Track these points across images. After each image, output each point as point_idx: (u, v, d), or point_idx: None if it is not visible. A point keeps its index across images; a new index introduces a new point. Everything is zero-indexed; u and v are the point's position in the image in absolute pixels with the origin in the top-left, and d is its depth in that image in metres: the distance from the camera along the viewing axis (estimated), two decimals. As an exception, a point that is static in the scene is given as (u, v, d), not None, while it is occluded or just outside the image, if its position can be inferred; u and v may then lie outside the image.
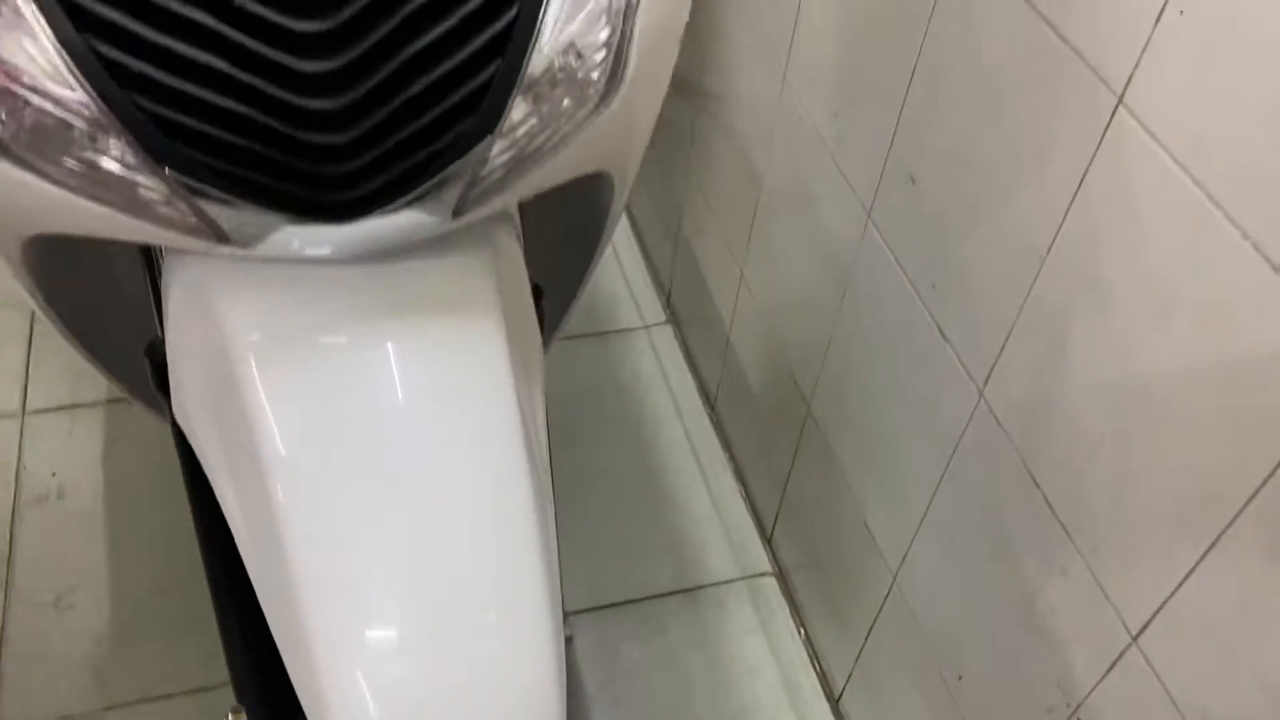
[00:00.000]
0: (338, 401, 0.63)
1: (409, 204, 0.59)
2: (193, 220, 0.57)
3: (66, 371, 1.49)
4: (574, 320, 1.04)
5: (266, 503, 0.61)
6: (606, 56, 0.60)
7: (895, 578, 1.07)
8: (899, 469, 1.03)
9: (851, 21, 1.00)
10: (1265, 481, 0.62)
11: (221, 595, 0.73)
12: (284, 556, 0.60)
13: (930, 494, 0.97)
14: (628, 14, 0.60)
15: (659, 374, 1.61)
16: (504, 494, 0.64)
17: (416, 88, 0.55)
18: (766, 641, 1.33)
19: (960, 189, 0.86)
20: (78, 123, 0.53)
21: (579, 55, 0.59)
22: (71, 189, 0.56)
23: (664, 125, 0.71)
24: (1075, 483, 0.78)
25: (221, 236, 0.58)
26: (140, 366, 0.78)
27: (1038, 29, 0.74)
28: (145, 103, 0.52)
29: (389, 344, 0.65)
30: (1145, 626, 0.72)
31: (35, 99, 0.52)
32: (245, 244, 0.59)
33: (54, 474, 1.38)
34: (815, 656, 1.31)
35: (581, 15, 0.58)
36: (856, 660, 1.19)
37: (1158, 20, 0.64)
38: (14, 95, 0.52)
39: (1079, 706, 0.81)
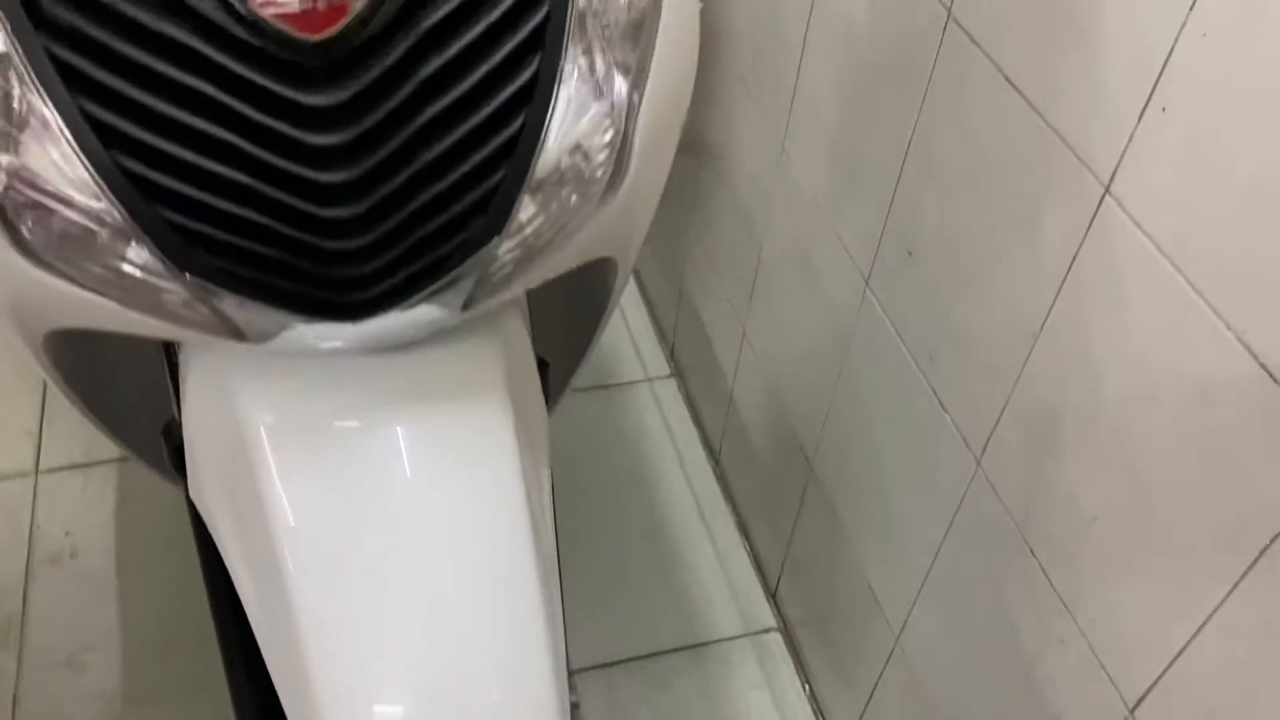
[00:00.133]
0: (348, 480, 0.65)
1: (420, 301, 0.62)
2: (211, 319, 0.59)
3: (80, 429, 1.50)
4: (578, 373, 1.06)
5: (277, 575, 0.63)
6: (610, 155, 0.61)
7: (898, 638, 1.08)
8: (900, 532, 1.04)
9: (848, 98, 1.02)
10: (1254, 562, 0.63)
11: (232, 657, 0.75)
12: (294, 629, 0.62)
13: (931, 558, 0.99)
14: (630, 114, 0.62)
15: (663, 427, 1.62)
16: (508, 569, 0.65)
17: (429, 194, 0.57)
18: (771, 698, 1.33)
19: (955, 266, 0.88)
20: (102, 230, 0.55)
21: (585, 155, 0.60)
22: (95, 290, 0.58)
23: (667, 184, 0.73)
24: (1070, 555, 0.79)
25: (238, 334, 0.60)
26: (157, 443, 0.80)
27: (1028, 117, 0.76)
28: (168, 213, 0.54)
29: (399, 428, 0.67)
30: (1141, 700, 0.73)
31: (62, 208, 0.54)
32: (261, 340, 0.61)
33: (67, 533, 1.40)
34: (820, 712, 1.31)
35: (586, 118, 0.59)
36: (861, 718, 1.20)
37: (1141, 116, 0.66)
38: (42, 204, 0.54)
39: (1079, 775, 0.82)
